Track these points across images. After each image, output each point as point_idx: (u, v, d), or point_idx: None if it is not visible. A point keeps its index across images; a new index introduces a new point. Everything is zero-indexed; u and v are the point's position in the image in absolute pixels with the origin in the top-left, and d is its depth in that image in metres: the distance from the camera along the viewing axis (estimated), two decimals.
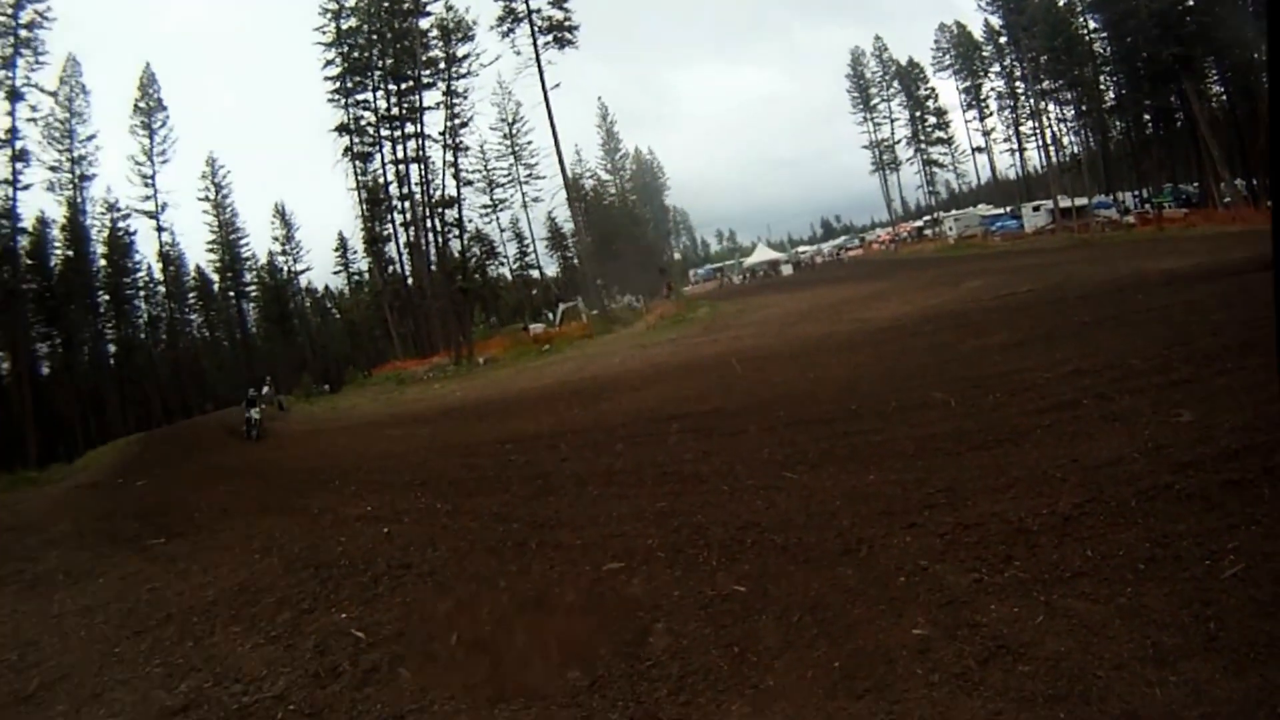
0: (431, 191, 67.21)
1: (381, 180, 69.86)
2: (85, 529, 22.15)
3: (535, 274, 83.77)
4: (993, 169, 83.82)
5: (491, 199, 75.78)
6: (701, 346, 34.08)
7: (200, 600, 12.35)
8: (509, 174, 76.33)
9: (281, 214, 76.78)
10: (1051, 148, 74.69)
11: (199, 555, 15.70)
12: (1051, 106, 75.04)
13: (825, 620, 7.16)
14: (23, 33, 58.98)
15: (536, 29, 65.68)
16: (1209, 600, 6.32)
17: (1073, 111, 75.52)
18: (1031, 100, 75.39)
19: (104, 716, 8.24)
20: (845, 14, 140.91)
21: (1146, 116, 72.33)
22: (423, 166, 67.46)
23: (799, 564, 8.45)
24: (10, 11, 58.77)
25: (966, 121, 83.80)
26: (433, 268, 67.44)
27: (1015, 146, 79.99)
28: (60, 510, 27.30)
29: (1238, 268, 24.01)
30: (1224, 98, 68.47)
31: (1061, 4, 71.69)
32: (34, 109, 60.96)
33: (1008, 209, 74.11)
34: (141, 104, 69.08)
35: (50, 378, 64.88)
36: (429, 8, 67.22)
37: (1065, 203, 67.20)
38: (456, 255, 68.23)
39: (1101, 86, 73.04)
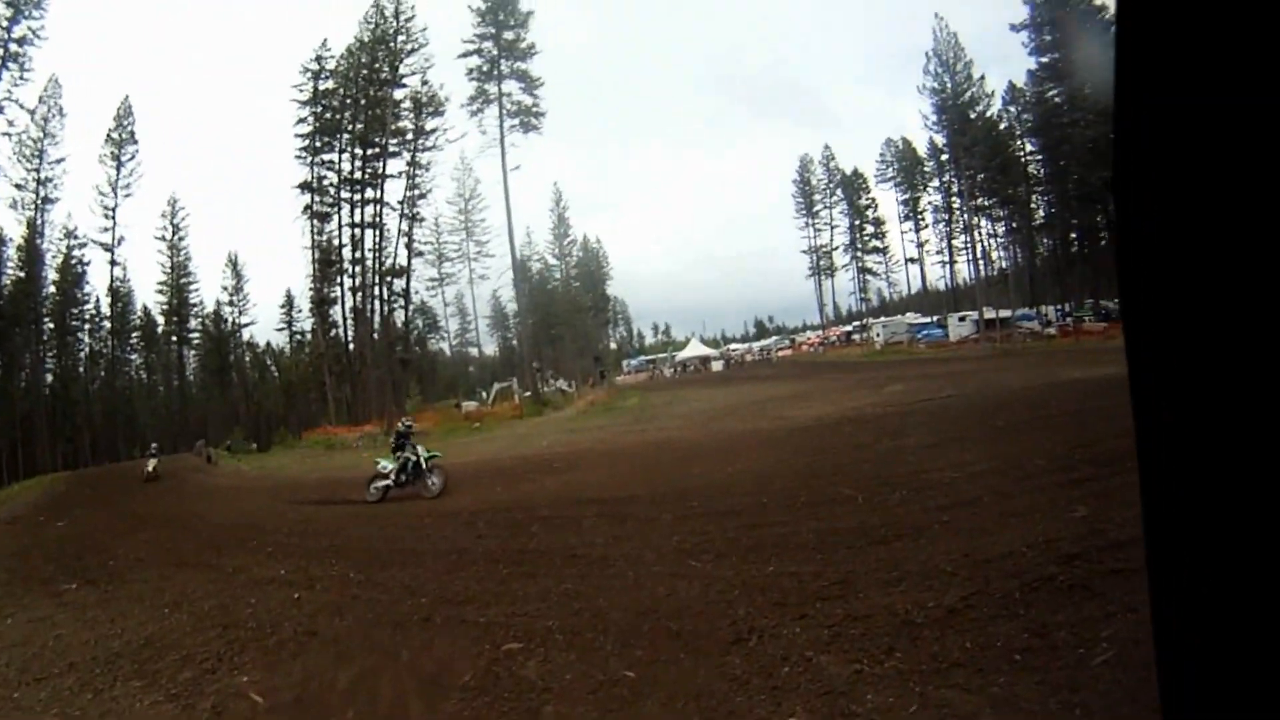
0: (383, 259, 67.31)
1: (336, 242, 69.77)
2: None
3: (474, 352, 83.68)
4: (923, 279, 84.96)
5: (440, 272, 75.58)
6: (628, 435, 34.13)
7: (105, 651, 12.12)
8: (459, 249, 76.24)
9: (234, 264, 75.81)
10: (981, 261, 75.85)
11: (109, 604, 15.45)
12: (984, 222, 76.30)
13: (707, 708, 7.16)
14: (13, 46, 58.63)
15: (505, 111, 66.03)
16: (1077, 687, 6.42)
17: (1004, 228, 76.85)
18: (966, 215, 76.36)
19: None
20: (798, 119, 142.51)
21: (1073, 235, 73.97)
22: (377, 233, 67.58)
23: (690, 651, 8.46)
24: (5, 25, 58.62)
25: (903, 232, 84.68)
26: (375, 335, 67.29)
27: (947, 259, 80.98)
28: None
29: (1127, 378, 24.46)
30: None
31: (1002, 127, 73.11)
32: (10, 124, 60.33)
33: (934, 318, 75.15)
34: (114, 134, 68.43)
35: None
36: (405, 80, 67.89)
37: (990, 314, 68.49)
38: (400, 325, 68.17)
39: (1033, 205, 74.50)
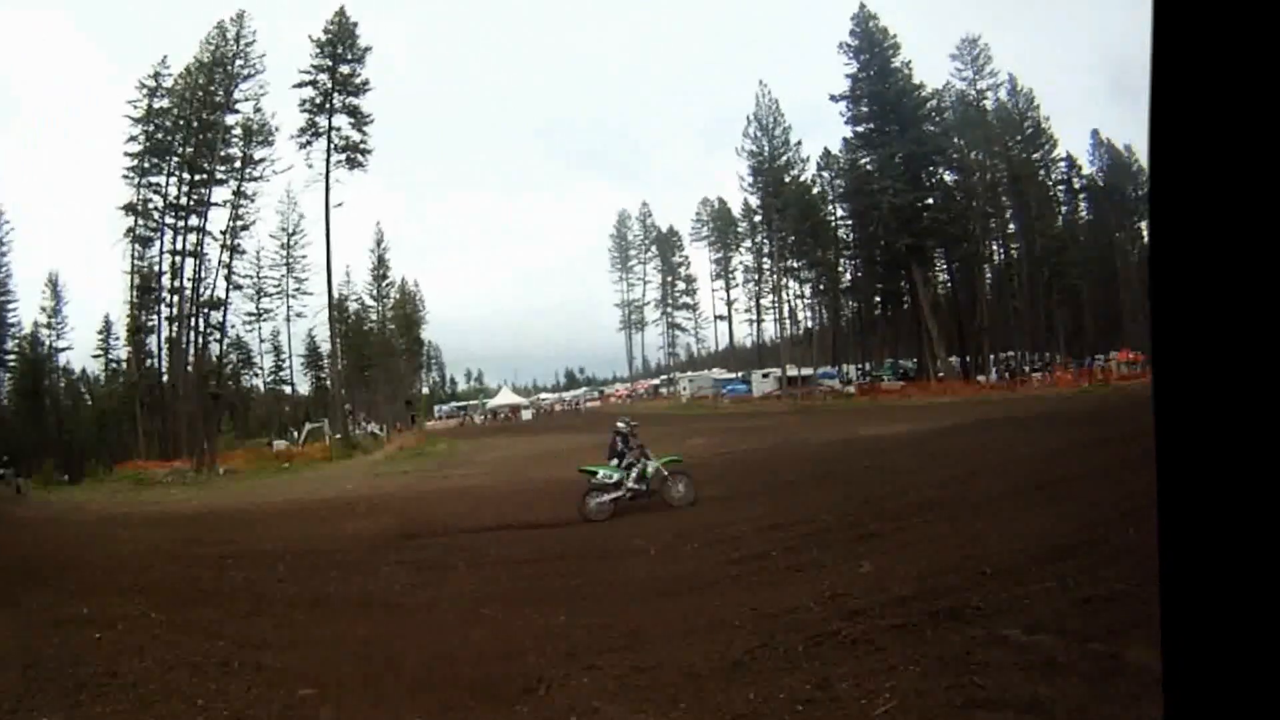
0: (202, 289, 65.92)
1: (157, 268, 68.07)
2: None
3: (288, 390, 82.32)
4: (731, 336, 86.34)
5: (258, 307, 74.08)
6: (433, 481, 34.17)
7: None
8: (279, 285, 74.88)
9: (54, 284, 73.36)
10: (787, 320, 77.36)
11: None
12: (792, 283, 77.72)
13: None
14: None
15: (333, 146, 65.20)
16: None
17: (810, 289, 78.41)
18: (775, 276, 77.46)
19: None
20: (620, 175, 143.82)
21: (877, 298, 75.88)
22: (198, 262, 66.16)
23: (481, 699, 8.48)
24: None
25: (713, 290, 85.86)
26: (189, 368, 65.84)
27: (754, 317, 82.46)
28: None
29: (934, 434, 25.21)
30: (948, 284, 72.51)
31: (815, 192, 74.56)
32: None
33: (740, 374, 75.94)
34: None
35: None
36: (239, 105, 66.60)
37: (793, 371, 69.60)
38: (214, 359, 66.82)
39: (840, 269, 76.11)
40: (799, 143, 74.32)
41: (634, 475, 20.18)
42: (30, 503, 43.47)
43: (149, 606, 14.83)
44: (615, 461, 20.83)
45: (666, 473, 20.39)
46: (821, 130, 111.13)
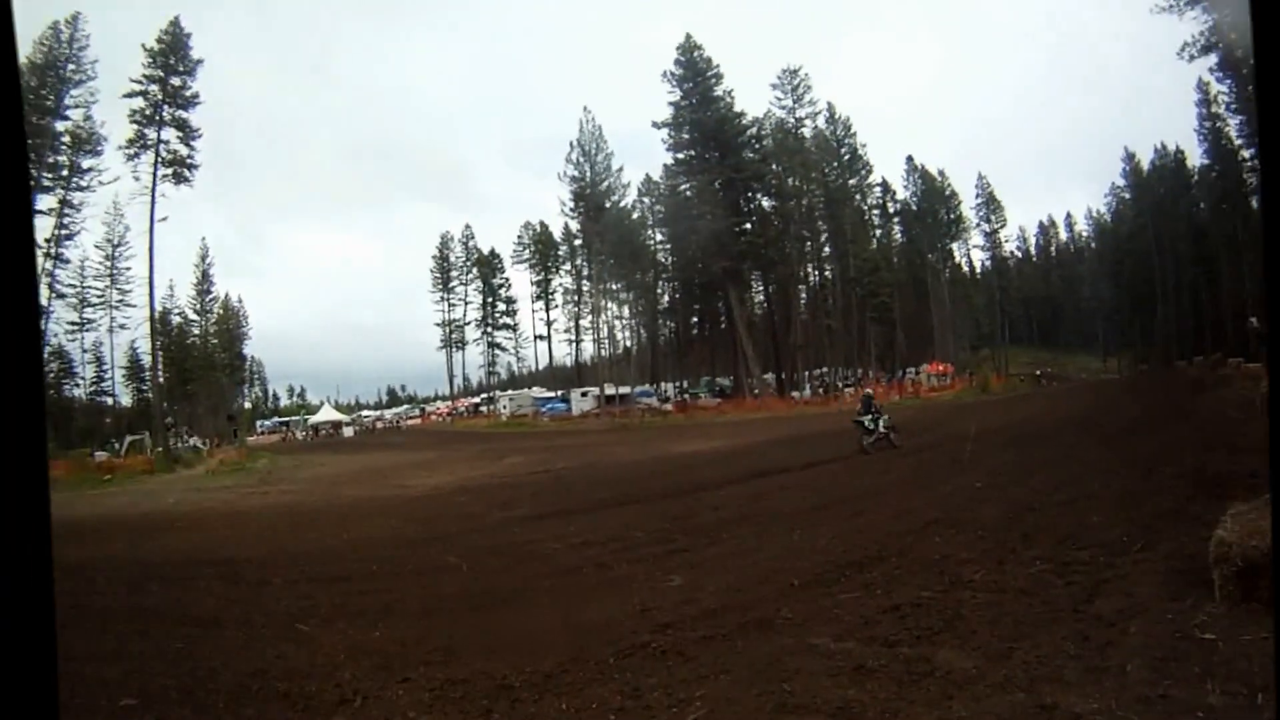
0: None
1: None
2: None
3: (109, 402, 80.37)
4: (550, 356, 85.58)
5: (81, 317, 71.97)
6: (253, 497, 33.24)
7: None
8: (103, 296, 73.05)
9: None
10: (606, 340, 77.44)
11: None
12: (612, 305, 77.98)
13: None
14: None
15: (160, 159, 63.54)
16: None
17: (629, 310, 78.82)
18: (594, 297, 77.61)
19: None
20: (446, 197, 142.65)
21: (695, 318, 76.73)
22: None
23: (298, 711, 8.47)
24: None
25: (534, 311, 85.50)
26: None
27: (574, 337, 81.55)
28: None
29: (744, 450, 25.70)
30: (764, 305, 73.85)
31: (635, 217, 75.10)
32: None
33: (559, 393, 76.32)
34: None
35: None
36: (68, 112, 64.54)
37: (611, 390, 69.78)
38: None
39: (659, 290, 76.78)
40: (620, 169, 74.43)
41: (882, 423, 27.95)
42: None
43: None
44: (870, 415, 28.78)
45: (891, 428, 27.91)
46: (644, 157, 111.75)
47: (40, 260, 62.70)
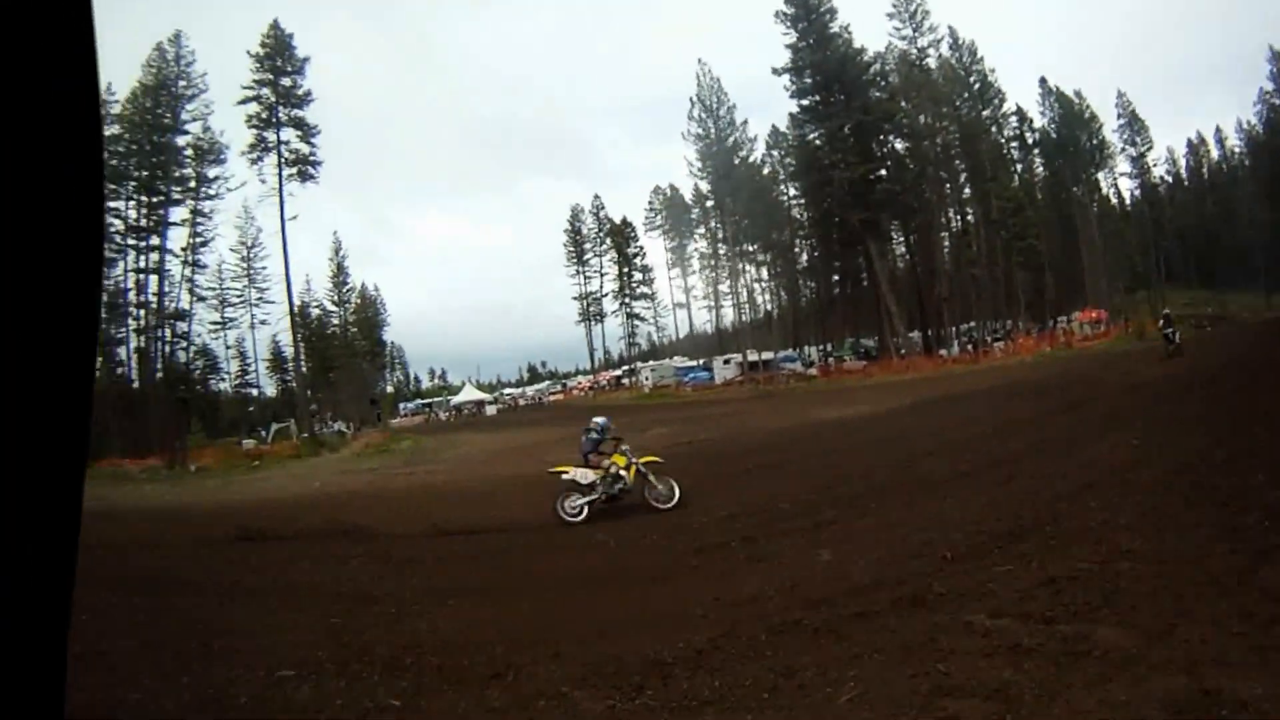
0: (166, 303, 65.73)
1: (121, 286, 67.93)
2: None
3: (255, 393, 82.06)
4: (690, 324, 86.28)
5: (222, 317, 73.79)
6: (398, 478, 33.90)
7: None
8: (242, 295, 74.70)
9: None
10: (746, 305, 76.75)
11: None
12: (749, 267, 77.20)
13: None
14: None
15: (283, 160, 64.95)
16: None
17: (767, 272, 77.92)
18: (731, 260, 77.24)
19: None
20: (570, 170, 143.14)
21: (835, 277, 75.31)
22: (161, 279, 65.98)
23: (451, 685, 8.54)
24: None
25: (670, 278, 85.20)
26: (158, 375, 65.67)
27: (713, 303, 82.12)
28: None
29: (874, 416, 25.39)
30: (905, 256, 72.08)
31: (766, 172, 73.97)
32: None
33: (700, 361, 75.81)
34: None
35: None
36: (187, 127, 66.22)
37: (754, 356, 69.18)
38: (181, 366, 66.63)
39: (796, 249, 75.57)
40: (745, 122, 74.75)
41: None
42: None
43: (127, 594, 14.82)
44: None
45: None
46: (768, 107, 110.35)
47: (179, 268, 65.13)
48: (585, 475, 19.05)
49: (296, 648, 10.24)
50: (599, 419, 20.58)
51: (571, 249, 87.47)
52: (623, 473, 19.03)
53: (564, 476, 19.17)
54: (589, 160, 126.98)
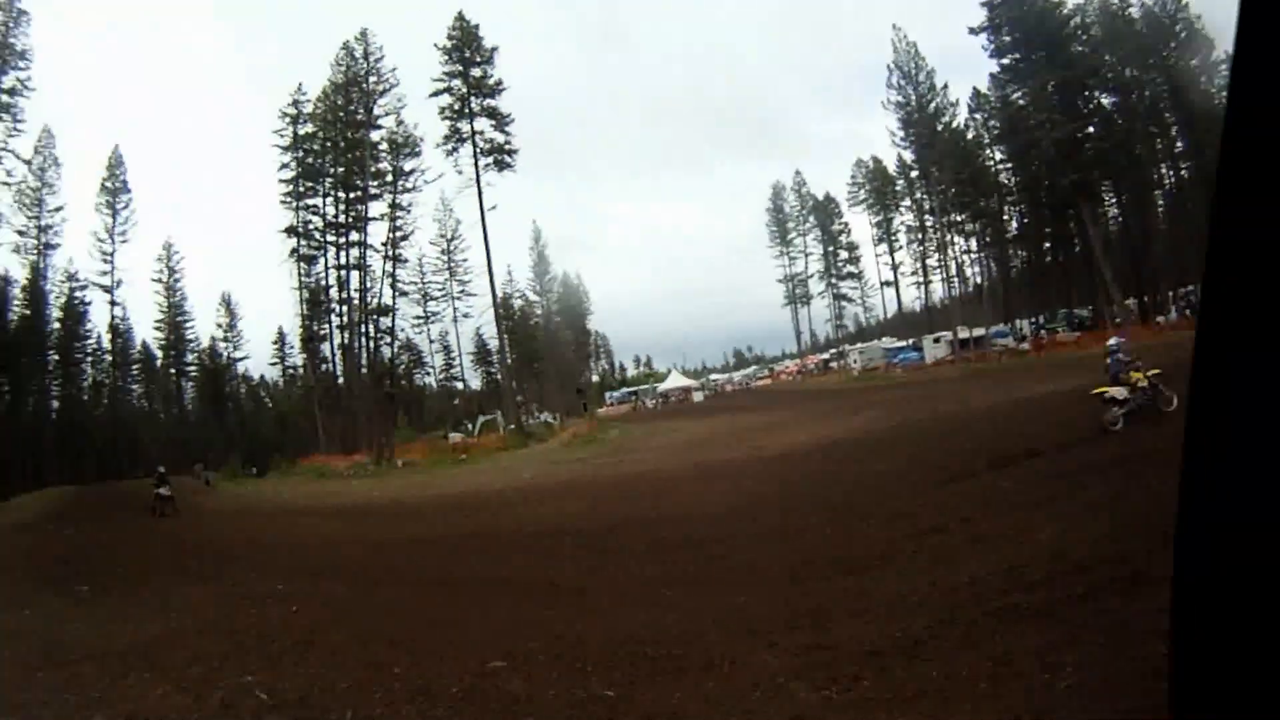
0: (369, 299, 67.26)
1: (323, 283, 69.99)
2: (13, 564, 22.42)
3: (459, 386, 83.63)
4: (899, 301, 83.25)
5: (424, 310, 75.24)
6: (607, 467, 33.96)
7: (118, 645, 12.45)
8: (443, 288, 75.88)
9: (227, 303, 76.89)
10: (955, 279, 74.83)
11: (120, 606, 15.87)
12: (957, 239, 75.55)
13: None
14: (3, 98, 59.69)
15: (479, 150, 65.61)
16: (1041, 714, 6.46)
17: (976, 243, 76.27)
18: (939, 233, 75.28)
19: None
20: (766, 147, 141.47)
21: (1046, 244, 73.19)
22: (362, 274, 67.48)
23: (666, 674, 8.52)
24: None
25: (876, 255, 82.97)
26: (363, 371, 67.41)
27: (921, 279, 78.86)
28: None
29: (1088, 388, 24.90)
30: (1118, 219, 69.78)
31: (970, 137, 72.41)
32: (9, 174, 61.59)
33: (910, 341, 74.11)
34: (108, 183, 69.61)
35: None
36: (380, 121, 67.39)
37: (964, 333, 67.73)
38: (386, 361, 68.21)
39: (1005, 217, 73.80)
40: (945, 86, 72.33)
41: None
42: (218, 494, 44.97)
43: (342, 585, 15.56)
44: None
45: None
46: (968, 69, 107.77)
47: (380, 263, 65.80)
48: (1120, 392, 21.87)
49: (512, 639, 10.36)
50: (1114, 340, 24.91)
51: (774, 228, 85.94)
52: (1143, 385, 22.00)
53: (1104, 396, 21.86)
54: (786, 135, 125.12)
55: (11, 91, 59.64)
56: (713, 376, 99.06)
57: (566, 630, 10.50)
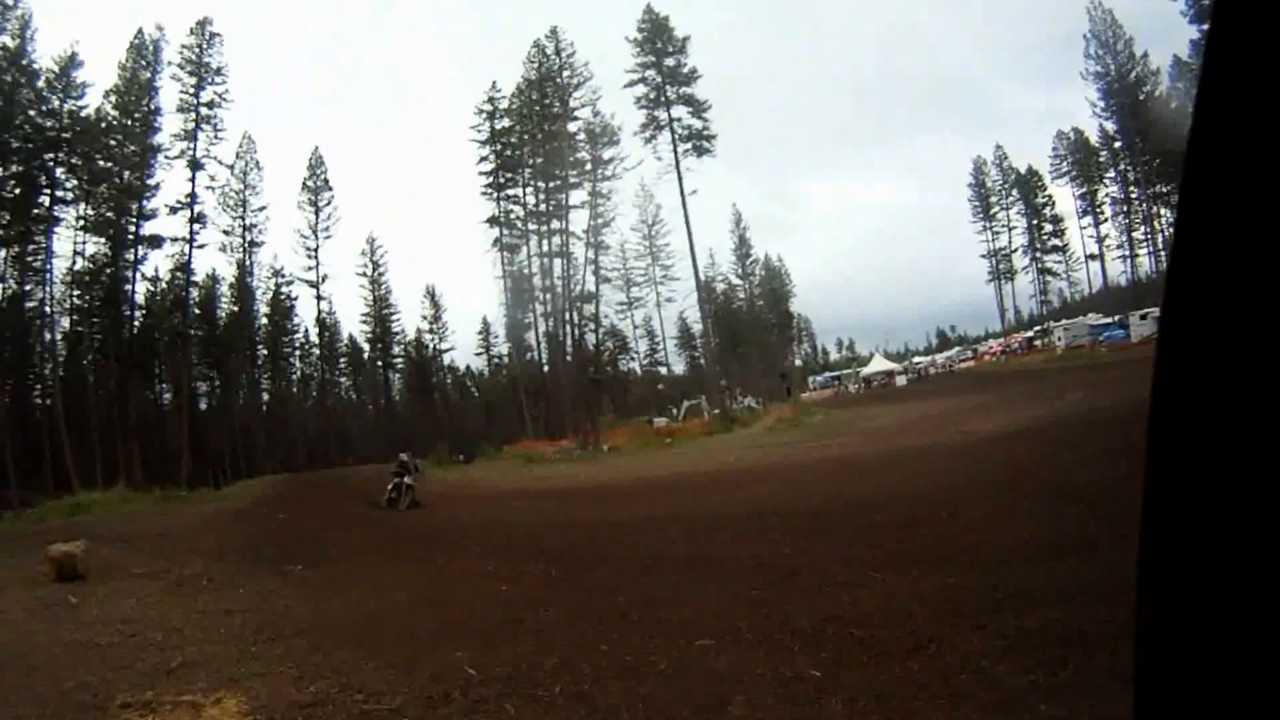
0: (572, 286, 68.35)
1: (526, 271, 71.35)
2: (229, 547, 23.23)
3: (663, 371, 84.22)
4: (1104, 276, 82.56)
5: (628, 297, 76.29)
6: (813, 450, 33.85)
7: (330, 622, 13.06)
8: (646, 274, 76.84)
9: (432, 295, 79.82)
10: (1163, 252, 72.81)
11: (331, 585, 16.60)
12: (1164, 210, 73.40)
13: (889, 709, 7.23)
14: (203, 110, 65.49)
15: (677, 136, 66.92)
16: None
17: None
18: (1145, 205, 73.54)
19: (239, 699, 8.68)
20: (966, 124, 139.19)
21: None
22: (565, 262, 68.82)
23: (872, 656, 8.53)
24: (192, 91, 65.07)
25: (1081, 228, 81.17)
26: (568, 357, 68.38)
27: (1128, 253, 78.94)
28: (206, 527, 28.40)
29: None
30: None
31: (1173, 105, 70.46)
32: (212, 179, 67.61)
33: (1116, 318, 71.51)
34: (309, 183, 73.75)
35: (207, 413, 71.25)
36: (577, 113, 69.25)
37: None
38: (591, 348, 69.06)
39: None
40: (1145, 54, 71.43)
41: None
42: (427, 479, 46.20)
43: (549, 567, 15.87)
44: None
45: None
46: (1168, 36, 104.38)
47: (582, 250, 67.47)
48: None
49: (718, 619, 10.49)
50: None
51: (976, 204, 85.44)
52: None
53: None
54: (983, 109, 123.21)
55: (210, 104, 65.96)
56: (915, 359, 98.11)
57: (773, 610, 10.59)
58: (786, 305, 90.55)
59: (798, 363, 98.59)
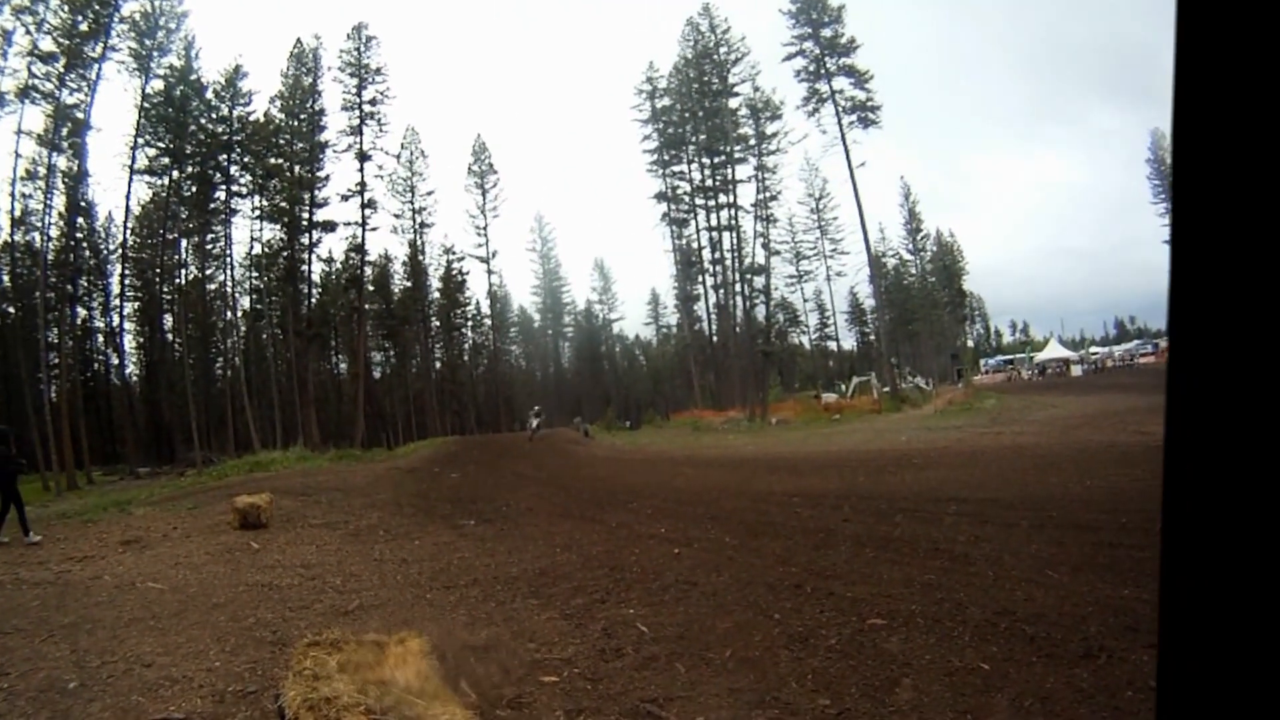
0: (741, 259, 68.70)
1: (695, 245, 72.09)
2: (403, 502, 24.32)
3: (832, 346, 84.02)
4: None
5: (797, 270, 76.47)
6: (985, 437, 33.52)
7: (503, 574, 13.61)
8: (815, 247, 76.95)
9: (600, 268, 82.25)
10: None
11: (504, 540, 17.19)
12: None
13: (1053, 712, 7.20)
14: (366, 107, 70.08)
15: (840, 109, 66.56)
16: None
17: None
18: None
19: (414, 639, 8.98)
20: (1141, 95, 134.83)
21: None
22: (734, 235, 69.48)
23: (1041, 657, 8.45)
24: (354, 91, 69.71)
25: None
26: (737, 329, 68.72)
27: None
28: (381, 484, 29.78)
29: None
30: None
31: None
32: (380, 168, 72.83)
33: None
34: (474, 168, 77.76)
35: (382, 381, 76.72)
36: (737, 89, 69.93)
37: None
38: (761, 320, 69.16)
39: None
40: None
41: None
42: (597, 444, 46.79)
43: (722, 533, 16.08)
44: None
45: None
46: None
47: (750, 223, 68.79)
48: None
49: (890, 599, 10.55)
50: None
51: (1157, 181, 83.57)
52: None
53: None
54: (1161, 80, 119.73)
55: (373, 101, 70.83)
56: (1093, 349, 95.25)
57: (947, 596, 10.60)
58: (960, 283, 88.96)
59: (969, 343, 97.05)
